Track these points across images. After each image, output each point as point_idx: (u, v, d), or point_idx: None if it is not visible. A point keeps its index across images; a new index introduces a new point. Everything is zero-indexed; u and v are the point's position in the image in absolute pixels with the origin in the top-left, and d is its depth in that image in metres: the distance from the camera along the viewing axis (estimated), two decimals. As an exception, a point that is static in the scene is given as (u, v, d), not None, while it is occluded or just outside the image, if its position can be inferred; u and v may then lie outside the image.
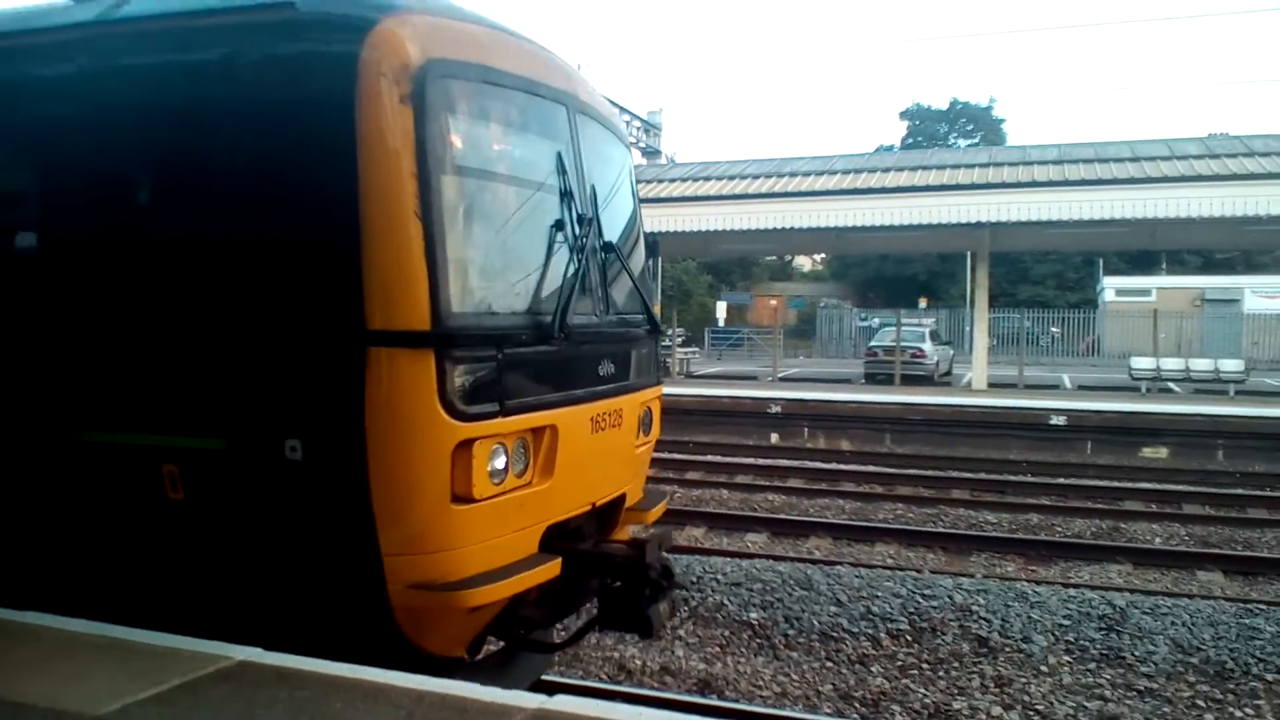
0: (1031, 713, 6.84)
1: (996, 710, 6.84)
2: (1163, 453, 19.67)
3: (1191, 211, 23.15)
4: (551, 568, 5.07)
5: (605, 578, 5.59)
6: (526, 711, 3.89)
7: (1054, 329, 47.05)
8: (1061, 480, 16.30)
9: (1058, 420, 20.77)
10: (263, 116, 4.76)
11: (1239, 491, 15.48)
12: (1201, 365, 28.35)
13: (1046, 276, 56.73)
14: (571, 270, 5.22)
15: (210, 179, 4.83)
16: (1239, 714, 6.84)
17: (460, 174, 4.91)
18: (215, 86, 4.85)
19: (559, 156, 5.51)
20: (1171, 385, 28.18)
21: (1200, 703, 7.01)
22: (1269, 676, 7.34)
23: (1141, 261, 53.15)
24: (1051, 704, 6.94)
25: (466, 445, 4.64)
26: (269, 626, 4.91)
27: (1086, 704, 6.92)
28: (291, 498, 4.72)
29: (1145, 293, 45.42)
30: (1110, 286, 48.60)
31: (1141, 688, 7.23)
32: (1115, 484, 16.04)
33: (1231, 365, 27.87)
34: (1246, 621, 8.27)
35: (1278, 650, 7.69)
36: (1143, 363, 28.62)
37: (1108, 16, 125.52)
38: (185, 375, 4.89)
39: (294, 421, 4.67)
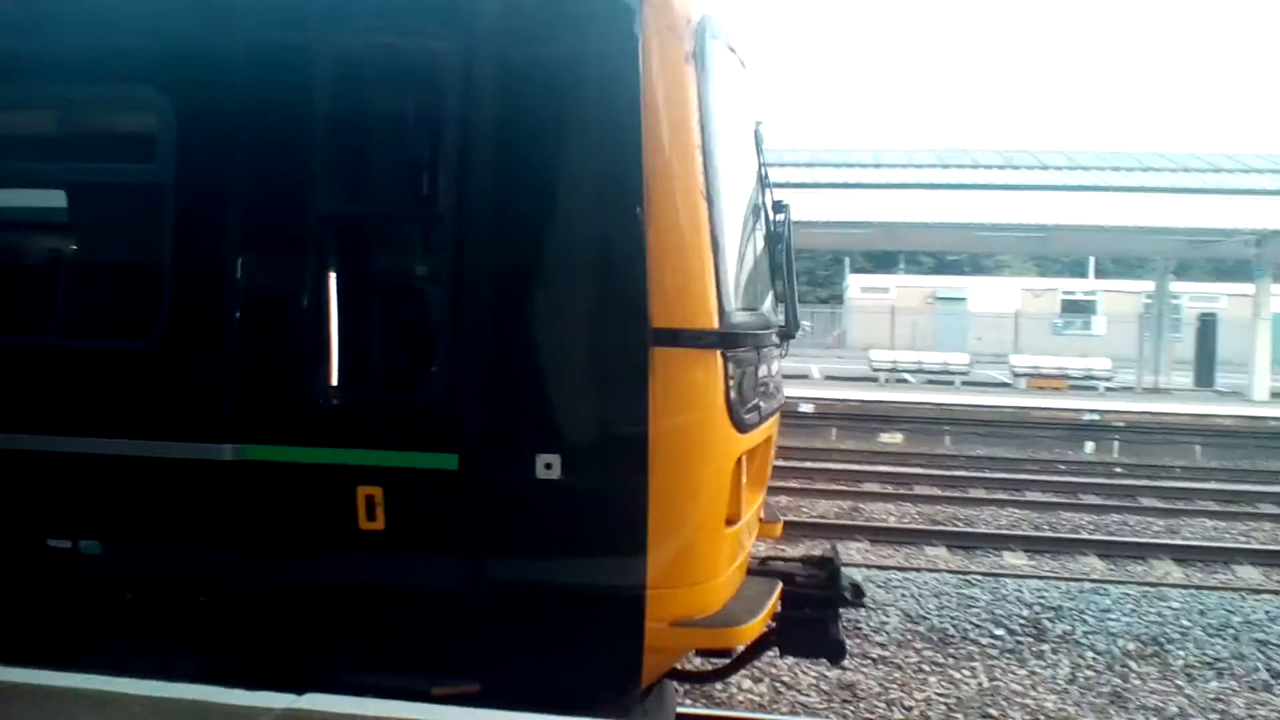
0: (778, 684, 7.21)
1: (747, 684, 7.17)
2: (898, 438, 21.23)
3: (927, 216, 25.08)
4: (779, 593, 4.64)
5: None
6: (275, 711, 3.71)
7: (805, 322, 49.69)
8: (809, 464, 17.26)
9: (806, 408, 21.99)
10: (524, 78, 4.03)
11: (963, 473, 16.95)
12: (932, 358, 30.84)
13: (799, 272, 59.86)
14: (783, 261, 4.68)
15: (452, 145, 4.09)
16: (958, 675, 7.49)
17: (727, 150, 4.28)
18: (469, 47, 4.06)
19: (757, 135, 5.05)
20: (906, 376, 30.46)
21: (925, 667, 7.63)
22: (983, 640, 8.10)
23: (884, 261, 57.09)
24: (796, 675, 7.34)
25: (739, 460, 4.16)
26: (481, 673, 4.19)
27: (827, 674, 7.37)
28: (534, 525, 4.06)
29: (885, 290, 48.82)
30: (855, 284, 51.88)
31: (875, 656, 7.79)
32: (856, 467, 17.17)
33: (958, 359, 30.47)
34: (965, 591, 9.09)
35: (990, 615, 8.50)
36: (881, 355, 30.79)
37: (854, 31, 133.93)
38: (408, 377, 4.19)
39: (551, 434, 4.00)
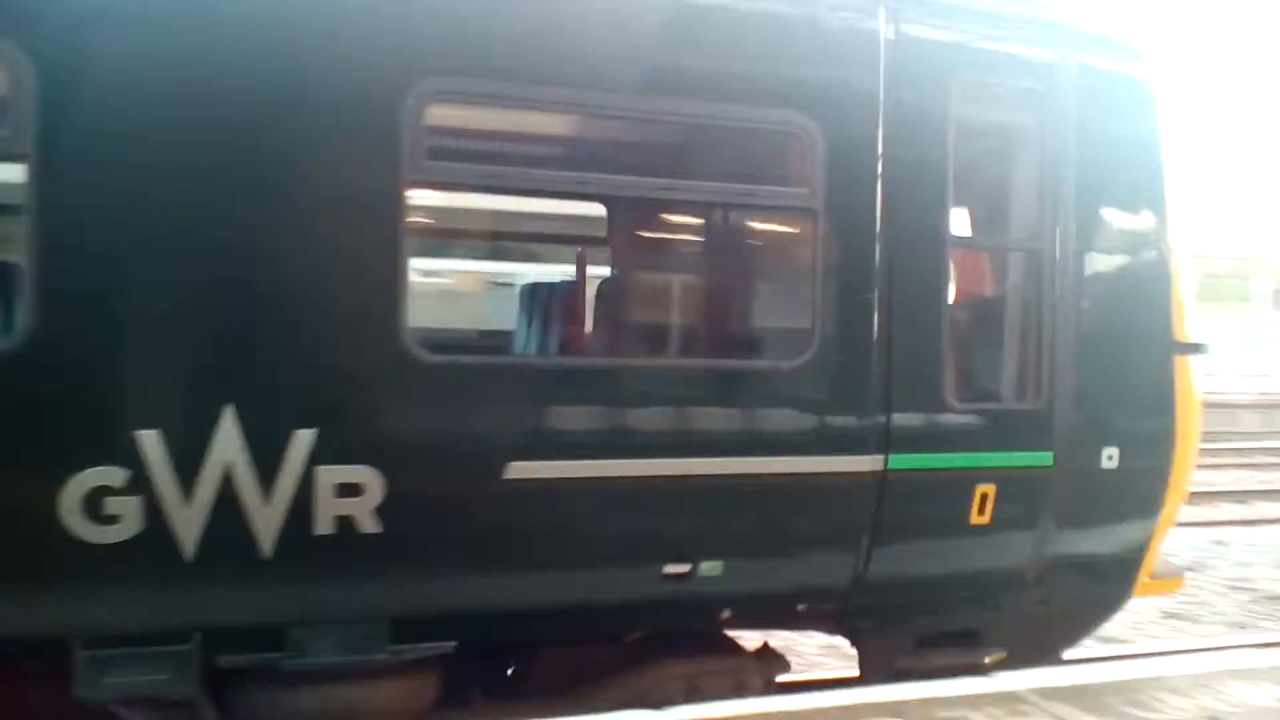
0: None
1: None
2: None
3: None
4: None
5: None
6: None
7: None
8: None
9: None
10: (1092, 132, 4.94)
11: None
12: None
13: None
14: None
15: (1043, 188, 4.90)
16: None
17: None
18: (1055, 106, 4.89)
19: None
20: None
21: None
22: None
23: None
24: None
25: None
26: (1008, 641, 5.13)
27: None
28: (1093, 505, 5.02)
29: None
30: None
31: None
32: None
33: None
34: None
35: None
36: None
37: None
38: (1017, 389, 4.93)
39: (1113, 431, 4.97)
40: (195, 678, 3.74)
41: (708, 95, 4.35)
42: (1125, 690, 4.36)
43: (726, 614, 4.73)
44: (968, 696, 4.25)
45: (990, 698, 4.25)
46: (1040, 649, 5.27)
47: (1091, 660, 4.72)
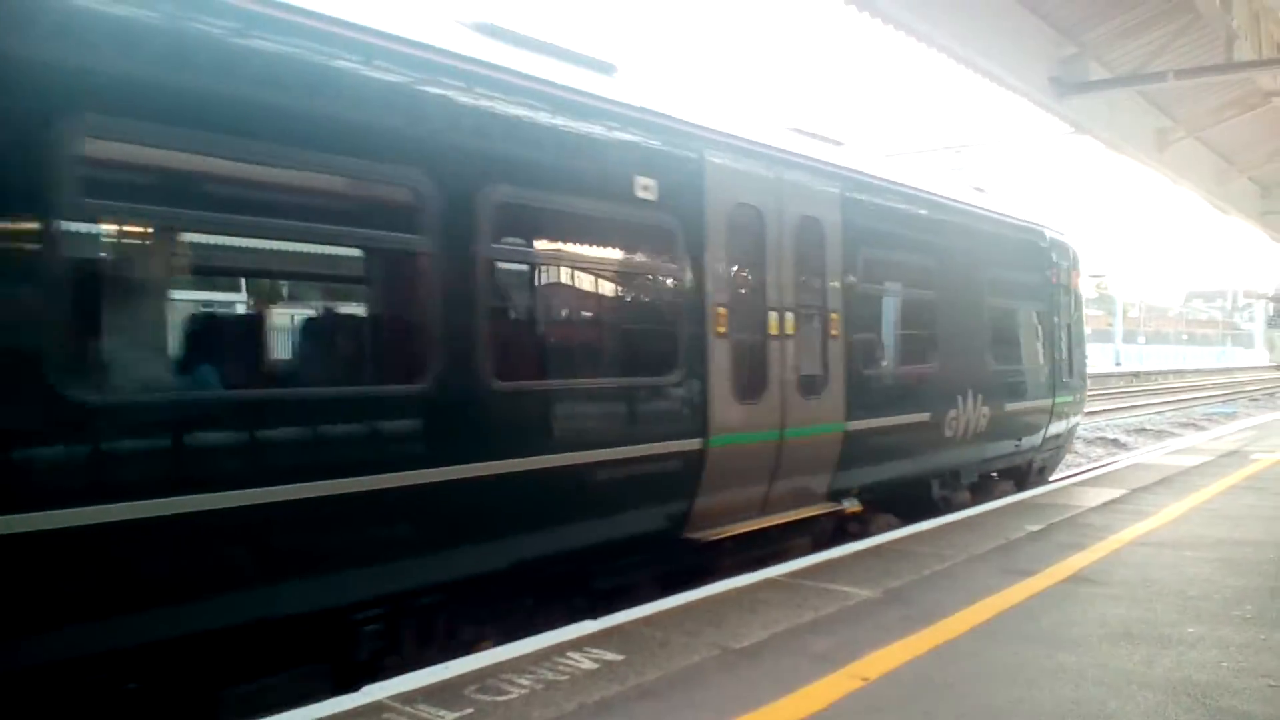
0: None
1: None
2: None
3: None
4: None
5: None
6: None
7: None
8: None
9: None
10: (1060, 284, 13.42)
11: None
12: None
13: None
14: None
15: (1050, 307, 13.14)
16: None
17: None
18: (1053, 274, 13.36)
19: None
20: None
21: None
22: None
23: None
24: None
25: None
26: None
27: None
28: (1065, 415, 13.56)
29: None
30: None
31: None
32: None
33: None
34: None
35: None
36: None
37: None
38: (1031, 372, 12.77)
39: (1077, 384, 14.25)
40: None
41: (1015, 269, 12.39)
42: (480, 678, 4.73)
43: (1016, 461, 12.39)
44: (333, 716, 4.28)
45: (352, 713, 4.32)
46: (1041, 480, 13.17)
47: (457, 660, 5.02)
